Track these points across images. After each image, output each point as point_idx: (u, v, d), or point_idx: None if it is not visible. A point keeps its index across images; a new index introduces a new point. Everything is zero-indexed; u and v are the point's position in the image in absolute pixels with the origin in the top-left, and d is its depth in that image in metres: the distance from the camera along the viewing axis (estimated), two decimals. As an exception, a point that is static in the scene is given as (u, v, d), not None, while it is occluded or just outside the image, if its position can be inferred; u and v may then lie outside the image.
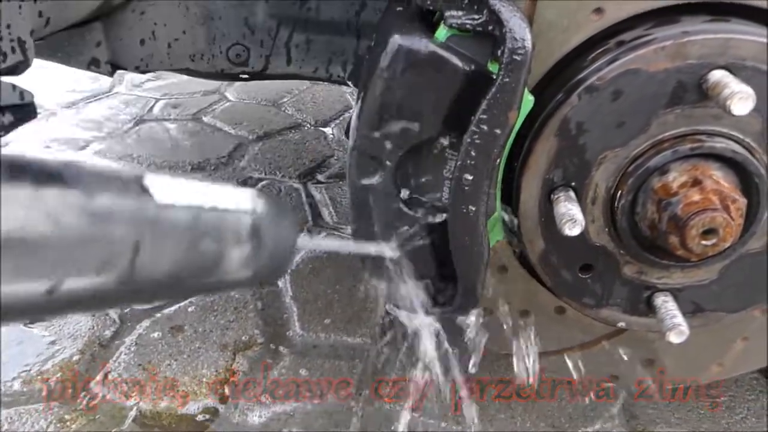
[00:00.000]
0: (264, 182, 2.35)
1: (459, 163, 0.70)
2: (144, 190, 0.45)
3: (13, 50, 0.89)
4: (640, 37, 0.69)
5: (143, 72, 1.38)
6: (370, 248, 0.77)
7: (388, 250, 0.76)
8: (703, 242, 0.68)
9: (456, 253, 0.75)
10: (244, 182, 2.34)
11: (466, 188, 0.71)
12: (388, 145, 0.71)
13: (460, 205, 0.72)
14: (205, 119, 2.67)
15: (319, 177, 2.42)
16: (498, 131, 0.67)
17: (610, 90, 0.69)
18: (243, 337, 1.61)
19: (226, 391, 1.46)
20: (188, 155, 2.48)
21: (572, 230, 0.69)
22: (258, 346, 1.59)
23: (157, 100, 2.82)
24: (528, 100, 0.71)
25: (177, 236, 0.47)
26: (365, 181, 0.73)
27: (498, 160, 0.70)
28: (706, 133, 0.69)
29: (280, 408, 1.41)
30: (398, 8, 0.78)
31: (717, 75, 0.66)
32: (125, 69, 1.36)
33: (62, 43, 1.27)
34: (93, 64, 1.31)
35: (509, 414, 1.38)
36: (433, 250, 0.78)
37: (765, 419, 1.37)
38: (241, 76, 1.42)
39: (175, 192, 0.48)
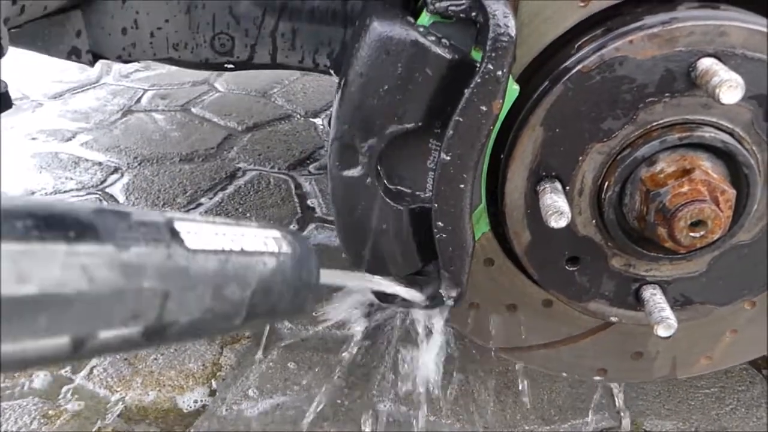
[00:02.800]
0: (253, 173, 2.33)
1: (442, 154, 0.68)
2: (174, 235, 0.45)
3: (-16, 37, 0.87)
4: (627, 23, 0.67)
5: (125, 62, 1.35)
6: (399, 289, 0.77)
7: (416, 295, 0.76)
8: (692, 234, 0.66)
9: (440, 246, 0.73)
10: (233, 174, 2.32)
11: (450, 180, 0.69)
12: (369, 136, 0.69)
13: (444, 196, 0.70)
14: (193, 110, 2.64)
15: (310, 168, 2.40)
16: (482, 121, 0.65)
17: (596, 78, 0.67)
18: (230, 331, 1.59)
19: (214, 385, 1.45)
20: (176, 147, 2.46)
21: (558, 222, 0.67)
22: (246, 339, 1.57)
23: (146, 90, 2.79)
24: (513, 90, 0.70)
25: (205, 284, 0.47)
26: (346, 173, 0.72)
27: (482, 151, 0.68)
28: (695, 123, 0.67)
29: (268, 402, 1.40)
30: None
31: (706, 63, 0.64)
32: (107, 58, 1.33)
33: (41, 31, 1.24)
34: (73, 54, 1.28)
35: (500, 407, 1.37)
36: (416, 240, 0.76)
37: (754, 410, 1.37)
38: (226, 66, 1.39)
39: (204, 236, 0.47)
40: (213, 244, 0.46)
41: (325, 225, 2.04)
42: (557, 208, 0.67)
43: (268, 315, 0.54)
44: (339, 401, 1.39)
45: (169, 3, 1.28)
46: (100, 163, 2.38)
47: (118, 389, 1.42)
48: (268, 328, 1.60)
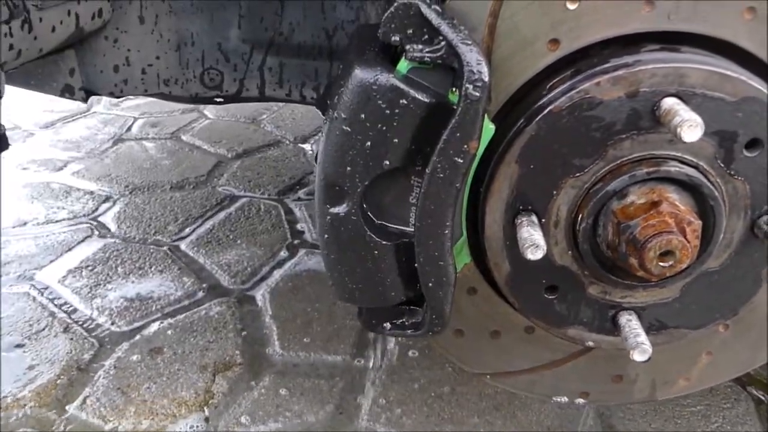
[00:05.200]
0: (243, 200, 2.36)
1: (423, 192, 0.71)
2: None
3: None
4: (594, 65, 0.71)
5: (118, 97, 1.39)
6: None
7: None
8: (661, 264, 0.70)
9: (424, 276, 0.77)
10: (223, 201, 2.35)
11: (431, 216, 0.72)
12: (354, 175, 0.72)
13: (425, 232, 0.73)
14: (184, 138, 2.68)
15: (299, 194, 2.43)
16: (460, 161, 0.69)
17: (567, 117, 0.71)
18: (223, 358, 1.61)
19: (207, 412, 1.46)
20: (167, 175, 2.49)
21: (534, 255, 0.71)
22: (238, 366, 1.59)
23: (136, 119, 2.82)
24: (489, 129, 0.73)
25: None
26: (333, 210, 0.75)
27: (461, 189, 0.71)
28: (662, 158, 0.71)
29: (261, 428, 1.41)
30: (361, 39, 0.80)
31: (668, 102, 0.68)
32: (99, 95, 1.37)
33: (35, 70, 1.28)
34: (67, 92, 1.32)
35: (488, 427, 1.40)
36: (401, 273, 0.79)
37: (739, 427, 1.40)
38: (215, 99, 1.43)
39: None
40: None
41: (315, 251, 2.07)
42: (533, 241, 0.71)
43: None
44: (331, 427, 1.41)
45: (160, 41, 1.32)
46: (91, 192, 2.40)
47: (111, 419, 1.43)
48: (258, 355, 1.62)
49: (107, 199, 2.37)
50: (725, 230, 0.75)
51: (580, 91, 0.69)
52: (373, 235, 0.76)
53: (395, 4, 0.68)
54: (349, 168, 0.72)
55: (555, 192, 0.75)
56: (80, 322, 1.73)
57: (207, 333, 1.69)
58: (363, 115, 0.69)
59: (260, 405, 1.48)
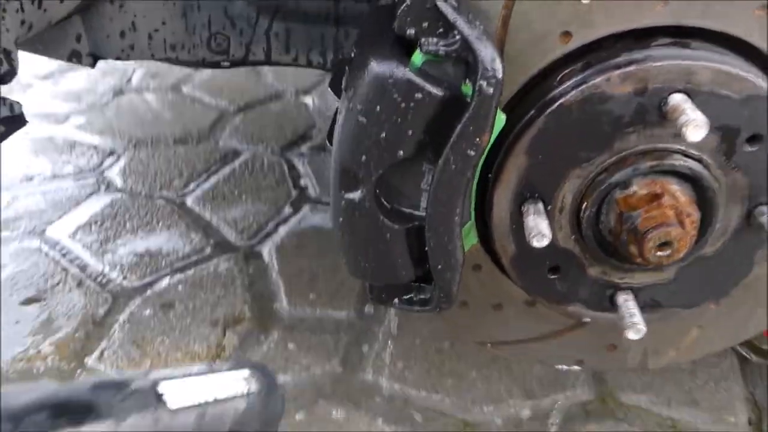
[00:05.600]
0: (246, 155, 2.37)
1: (435, 181, 0.74)
2: (159, 398, 0.52)
3: (0, 62, 0.91)
4: (605, 59, 0.73)
5: (125, 60, 1.39)
6: None
7: None
8: (659, 253, 0.74)
9: (433, 259, 0.81)
10: (227, 155, 2.36)
11: (442, 204, 0.76)
12: (368, 164, 0.75)
13: (436, 219, 0.77)
14: (184, 90, 2.67)
15: (302, 148, 2.44)
16: (472, 153, 0.72)
17: (576, 111, 0.73)
18: (233, 313, 1.67)
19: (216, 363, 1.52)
20: (170, 128, 2.49)
21: (540, 243, 0.75)
22: (247, 321, 1.65)
23: (135, 69, 2.80)
24: (500, 119, 0.76)
25: None
26: (347, 196, 0.78)
27: (471, 179, 0.74)
28: (666, 151, 0.74)
29: (270, 382, 1.47)
30: (376, 24, 0.81)
31: (676, 99, 0.70)
32: (106, 59, 1.37)
33: (41, 36, 1.27)
34: (74, 57, 1.32)
35: (485, 381, 1.46)
36: (412, 254, 0.83)
37: (723, 383, 1.48)
38: (222, 64, 1.43)
39: (183, 393, 0.55)
40: (191, 400, 0.54)
41: (319, 207, 2.11)
42: (539, 230, 0.74)
43: None
44: (337, 380, 1.48)
45: (166, 5, 1.32)
46: (95, 146, 2.41)
47: (128, 369, 1.50)
48: (266, 309, 1.68)
49: (111, 153, 2.38)
50: (722, 219, 0.79)
51: (591, 86, 0.72)
52: (385, 220, 0.79)
53: (411, 1, 0.69)
54: (364, 157, 0.75)
55: (561, 181, 0.78)
56: (93, 277, 1.78)
57: (216, 288, 1.74)
58: (379, 108, 0.72)
59: (270, 359, 1.54)
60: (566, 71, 0.75)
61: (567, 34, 0.73)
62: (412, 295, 0.88)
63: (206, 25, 1.36)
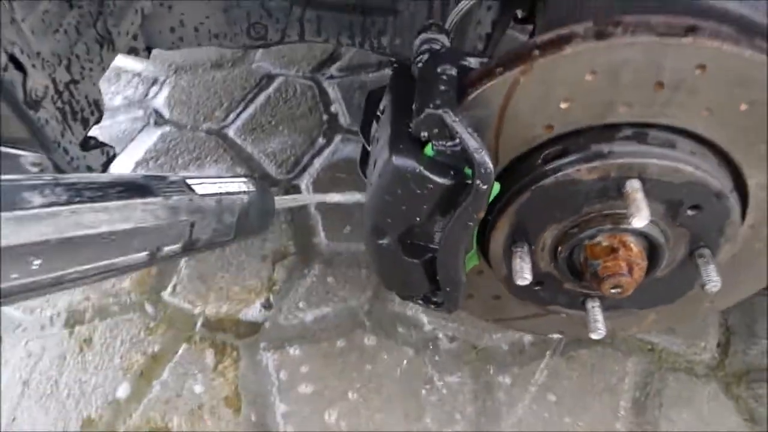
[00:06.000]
0: (280, 80, 2.53)
1: (443, 237, 0.98)
2: (189, 188, 0.75)
3: (92, 113, 1.12)
4: (578, 149, 0.92)
5: (176, 49, 1.57)
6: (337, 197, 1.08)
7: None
8: (612, 291, 0.97)
9: (443, 283, 1.06)
10: (261, 81, 2.53)
11: (449, 250, 0.99)
12: (392, 225, 0.98)
13: (445, 259, 1.01)
14: (217, 10, 2.76)
15: (332, 70, 2.59)
16: (470, 223, 0.94)
17: (553, 189, 0.94)
18: (279, 248, 1.95)
19: (271, 298, 1.84)
20: (205, 52, 2.64)
21: (522, 282, 0.99)
22: (292, 256, 1.94)
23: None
24: (495, 187, 0.97)
25: (211, 215, 0.77)
26: (378, 242, 1.02)
27: (472, 233, 0.97)
28: (623, 215, 0.95)
29: (315, 312, 1.79)
30: (400, 96, 1.00)
31: (631, 186, 0.90)
32: (160, 48, 1.55)
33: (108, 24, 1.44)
34: (131, 52, 1.50)
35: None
36: (428, 276, 1.08)
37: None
38: (261, 46, 1.60)
39: (205, 185, 0.76)
40: (211, 190, 0.78)
41: (349, 137, 2.31)
42: (522, 273, 0.98)
43: (248, 233, 0.87)
44: (371, 311, 1.78)
45: (209, 4, 1.47)
46: (139, 74, 2.59)
47: (198, 304, 1.82)
48: (307, 245, 1.96)
49: (155, 81, 2.56)
50: (669, 257, 1.01)
51: (565, 174, 0.91)
52: (406, 258, 1.03)
53: (425, 113, 0.88)
54: (389, 220, 0.97)
55: (542, 231, 1.00)
56: (156, 215, 2.05)
57: (263, 226, 2.01)
58: (399, 191, 0.93)
59: (312, 291, 1.84)
60: (549, 151, 0.94)
61: (549, 126, 0.92)
62: (429, 297, 1.14)
63: (246, 17, 1.52)
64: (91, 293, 1.83)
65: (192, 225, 0.75)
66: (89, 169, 1.07)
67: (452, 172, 0.93)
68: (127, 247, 0.68)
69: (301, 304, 1.81)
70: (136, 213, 0.68)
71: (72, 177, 0.66)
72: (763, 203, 0.98)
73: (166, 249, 0.74)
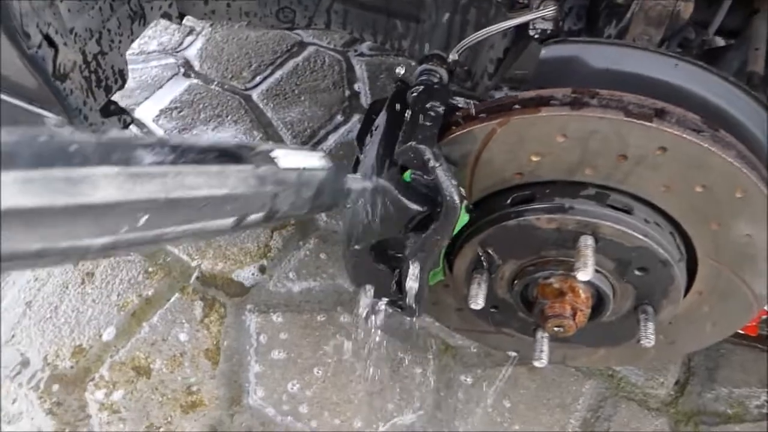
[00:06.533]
0: (311, 49, 2.59)
1: (411, 254, 1.07)
2: (273, 159, 0.76)
3: (116, 81, 1.21)
4: (543, 198, 1.00)
5: (208, 20, 1.64)
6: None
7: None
8: (555, 329, 1.06)
9: (406, 290, 1.15)
10: (293, 47, 2.59)
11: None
12: (365, 234, 1.07)
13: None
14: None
15: (363, 47, 2.64)
16: (436, 247, 1.03)
17: (515, 230, 1.02)
18: (280, 216, 2.05)
19: (265, 263, 1.95)
20: (245, 11, 2.69)
21: (475, 306, 1.08)
22: (291, 226, 2.04)
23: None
24: (464, 217, 1.05)
25: (291, 188, 0.78)
26: (353, 246, 1.11)
27: (438, 256, 1.06)
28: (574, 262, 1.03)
29: (303, 285, 1.90)
30: (390, 119, 1.08)
31: (584, 241, 0.98)
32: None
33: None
34: (165, 17, 1.59)
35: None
36: (397, 285, 1.17)
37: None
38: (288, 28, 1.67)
39: (287, 158, 0.77)
40: (292, 164, 0.77)
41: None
42: (476, 299, 1.07)
43: (321, 208, 0.88)
44: (356, 291, 1.88)
45: (242, -15, 1.54)
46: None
47: (196, 257, 1.94)
48: (308, 219, 2.06)
49: (191, 31, 2.63)
50: (614, 307, 1.09)
51: (526, 219, 1.00)
52: (376, 264, 1.13)
53: (407, 146, 0.96)
54: (364, 230, 1.07)
55: (502, 264, 1.09)
56: (172, 165, 2.16)
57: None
58: (376, 208, 1.02)
59: (304, 264, 1.95)
60: (517, 195, 1.02)
61: (520, 174, 1.00)
62: (396, 299, 1.24)
63: (276, 1, 1.59)
64: (99, 231, 1.95)
65: (275, 196, 0.76)
66: (105, 134, 1.16)
67: (425, 200, 1.01)
68: (219, 212, 0.70)
69: (291, 275, 1.92)
70: (230, 180, 0.69)
71: (175, 138, 0.67)
72: (711, 274, 1.06)
73: (251, 217, 0.75)
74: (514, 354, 1.38)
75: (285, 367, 1.70)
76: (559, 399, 1.72)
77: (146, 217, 0.59)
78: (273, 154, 0.76)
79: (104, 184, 0.55)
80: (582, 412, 1.71)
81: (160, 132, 2.25)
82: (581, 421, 1.69)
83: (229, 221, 0.72)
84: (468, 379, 1.74)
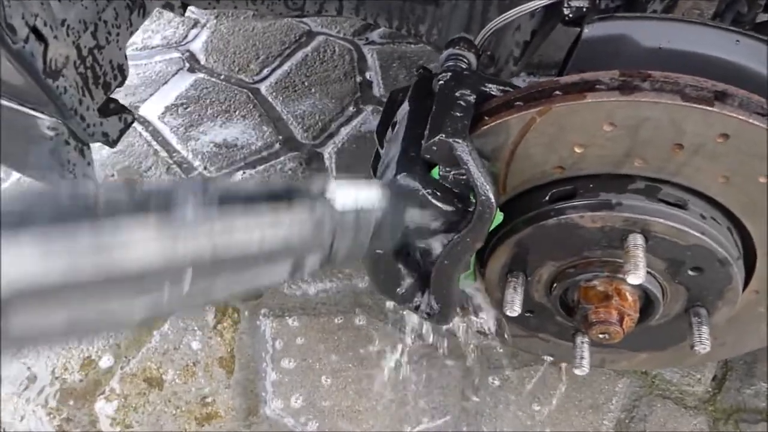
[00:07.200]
0: (320, 39, 2.50)
1: (439, 261, 0.97)
2: (329, 201, 0.71)
3: (115, 77, 1.12)
4: (587, 195, 0.90)
5: (213, 8, 1.55)
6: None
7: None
8: (600, 336, 0.97)
9: (435, 297, 1.06)
10: (301, 37, 2.50)
11: (443, 273, 0.99)
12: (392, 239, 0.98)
13: (438, 281, 1.01)
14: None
15: (373, 35, 2.54)
16: (466, 252, 0.94)
17: (555, 230, 0.92)
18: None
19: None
20: (250, 1, 2.60)
21: (511, 313, 0.99)
22: (304, 224, 1.95)
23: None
24: (499, 216, 0.96)
25: (349, 232, 0.74)
26: (376, 251, 1.02)
27: (467, 261, 0.97)
28: (622, 263, 0.93)
29: (319, 286, 1.82)
30: (416, 109, 0.98)
31: (633, 240, 0.88)
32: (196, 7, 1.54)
33: (139, -7, 1.44)
34: (167, 7, 1.49)
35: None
36: (421, 288, 1.08)
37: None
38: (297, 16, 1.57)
39: (343, 198, 0.72)
40: (349, 205, 0.73)
41: (379, 108, 2.29)
42: (512, 305, 0.98)
43: (380, 245, 0.84)
44: (373, 293, 1.80)
45: (248, -31, 1.44)
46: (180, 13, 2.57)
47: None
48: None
49: (195, 24, 2.54)
50: (663, 311, 1.00)
51: (569, 217, 0.90)
52: (402, 269, 1.04)
53: (435, 139, 0.87)
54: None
55: (539, 266, 0.99)
56: (179, 164, 2.08)
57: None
58: (399, 209, 0.93)
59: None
60: (557, 190, 0.93)
61: (560, 167, 0.90)
62: (422, 306, 1.15)
63: (284, -14, 1.49)
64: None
65: (332, 241, 0.72)
66: (105, 136, 1.08)
67: (455, 199, 0.92)
68: (273, 261, 0.65)
69: (306, 277, 1.84)
70: (284, 226, 0.64)
71: (219, 185, 0.60)
72: (770, 271, 0.96)
73: (308, 264, 0.71)
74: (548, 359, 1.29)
75: (303, 374, 1.62)
76: (591, 399, 1.63)
77: (190, 275, 0.53)
78: (328, 193, 0.71)
79: (140, 245, 0.47)
80: (616, 412, 1.62)
81: (166, 130, 2.17)
82: (615, 422, 1.60)
83: (284, 270, 0.67)
84: (495, 381, 1.65)
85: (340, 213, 0.71)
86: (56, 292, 0.43)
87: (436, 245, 1.02)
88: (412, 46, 2.49)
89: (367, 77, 2.39)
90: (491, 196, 0.86)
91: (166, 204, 0.51)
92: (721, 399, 1.65)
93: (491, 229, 0.94)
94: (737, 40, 0.84)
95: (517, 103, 0.87)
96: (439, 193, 0.91)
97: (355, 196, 0.75)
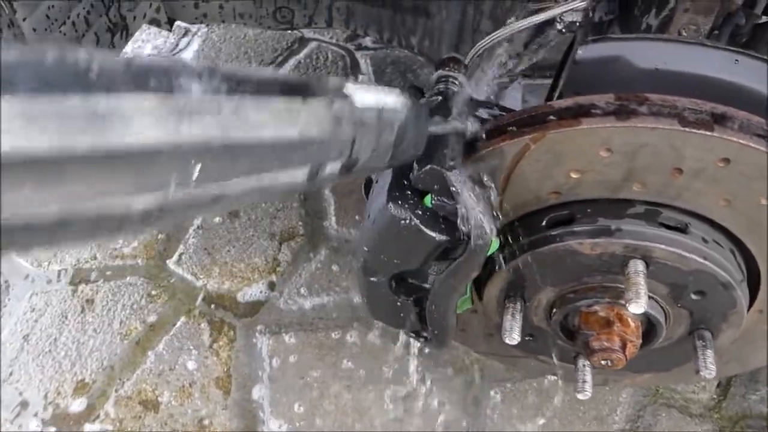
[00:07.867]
0: (313, 45, 2.46)
1: (434, 289, 0.95)
2: (346, 97, 0.60)
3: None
4: (585, 218, 0.87)
5: (200, 23, 1.52)
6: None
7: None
8: (602, 362, 0.94)
9: (431, 326, 1.03)
10: (293, 44, 2.46)
11: (440, 300, 0.96)
12: (384, 267, 0.95)
13: (435, 307, 0.98)
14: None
15: (367, 41, 2.50)
16: (460, 283, 0.91)
17: (553, 257, 0.89)
18: (288, 228, 1.94)
19: (274, 279, 1.84)
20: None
21: (510, 341, 0.96)
22: (300, 237, 1.92)
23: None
24: (495, 243, 0.93)
25: (371, 131, 0.63)
26: (369, 279, 0.99)
27: (464, 289, 0.94)
28: (623, 289, 0.90)
29: (315, 300, 1.79)
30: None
31: (634, 267, 0.85)
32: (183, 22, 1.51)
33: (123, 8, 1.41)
34: (153, 23, 1.46)
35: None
36: (418, 315, 1.05)
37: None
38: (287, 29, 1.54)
39: (361, 95, 0.62)
40: (370, 102, 0.62)
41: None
42: (511, 333, 0.95)
43: (401, 158, 0.72)
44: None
45: (234, -16, 1.41)
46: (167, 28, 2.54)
47: (201, 276, 1.83)
48: (317, 228, 1.94)
49: (186, 32, 2.50)
50: (666, 335, 0.97)
51: (567, 245, 0.87)
52: (397, 297, 1.01)
53: (427, 168, 0.84)
54: (381, 261, 0.94)
55: (538, 292, 0.96)
56: (172, 178, 2.04)
57: (275, 201, 1.99)
58: (393, 238, 0.90)
59: (316, 278, 1.84)
60: (554, 215, 0.90)
61: (557, 193, 0.87)
62: (420, 330, 1.12)
63: (273, 0, 1.46)
64: (98, 253, 1.85)
65: (353, 141, 0.62)
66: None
67: (449, 228, 0.89)
68: (289, 160, 0.56)
69: (302, 290, 1.81)
70: (300, 118, 0.54)
71: (227, 68, 0.49)
72: (775, 292, 0.93)
73: (328, 167, 0.61)
74: (554, 378, 1.26)
75: (300, 392, 1.59)
76: (594, 411, 1.61)
77: (200, 166, 0.44)
78: (346, 90, 0.61)
79: (141, 120, 0.39)
80: (620, 423, 1.60)
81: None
82: (619, 434, 1.58)
83: (302, 172, 0.57)
84: (497, 395, 1.63)
85: (360, 109, 0.62)
86: (47, 166, 0.36)
87: (432, 273, 0.99)
88: (406, 51, 2.45)
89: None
90: (486, 228, 0.83)
91: (168, 81, 0.42)
92: (727, 406, 1.63)
93: (487, 255, 0.92)
94: (736, 60, 0.81)
95: (510, 128, 0.84)
96: (433, 223, 0.88)
97: (375, 95, 0.66)
